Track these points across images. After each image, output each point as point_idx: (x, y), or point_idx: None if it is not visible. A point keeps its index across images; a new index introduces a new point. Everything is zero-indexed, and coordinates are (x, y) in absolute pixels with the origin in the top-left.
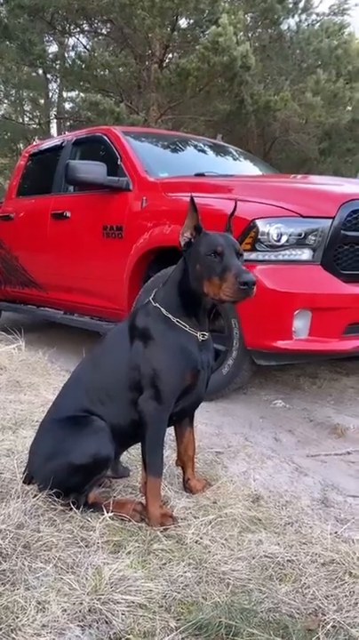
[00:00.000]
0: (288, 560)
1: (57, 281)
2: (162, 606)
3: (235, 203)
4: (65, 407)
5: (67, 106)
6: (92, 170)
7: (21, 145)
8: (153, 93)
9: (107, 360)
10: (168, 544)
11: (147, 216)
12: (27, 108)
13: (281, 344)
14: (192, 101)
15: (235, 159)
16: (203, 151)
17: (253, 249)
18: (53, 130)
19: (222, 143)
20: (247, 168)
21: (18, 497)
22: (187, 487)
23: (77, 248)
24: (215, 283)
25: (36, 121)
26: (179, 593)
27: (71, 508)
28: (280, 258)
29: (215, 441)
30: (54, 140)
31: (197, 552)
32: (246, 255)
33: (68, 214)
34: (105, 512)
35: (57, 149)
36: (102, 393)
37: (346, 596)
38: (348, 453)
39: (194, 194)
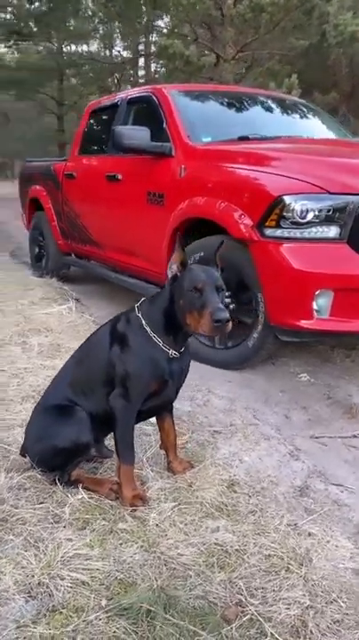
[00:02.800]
0: (236, 550)
1: (110, 241)
2: (102, 584)
3: (222, 242)
4: (53, 396)
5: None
6: (136, 135)
7: (109, 81)
8: (227, 31)
9: (90, 357)
10: (131, 525)
11: (184, 185)
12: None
13: (302, 323)
14: (267, 37)
15: (294, 114)
16: (260, 107)
17: (278, 226)
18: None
19: (285, 96)
20: (306, 126)
21: (7, 472)
22: (169, 469)
23: (126, 211)
24: (195, 317)
25: (124, 55)
26: (122, 573)
27: (55, 484)
28: (305, 235)
29: (220, 418)
30: (112, 98)
31: (153, 535)
32: (270, 232)
33: (120, 177)
34: (80, 490)
35: (114, 108)
36: (84, 386)
37: (274, 590)
38: (354, 437)
39: (226, 165)
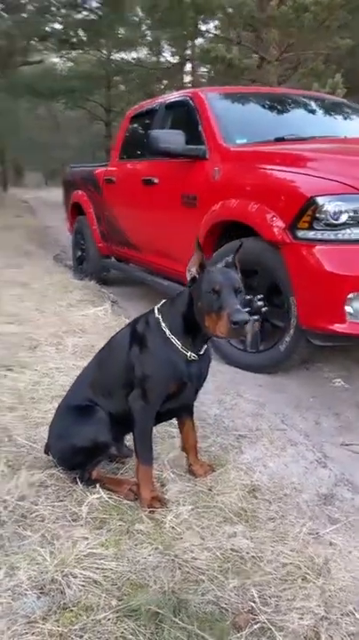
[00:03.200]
0: (252, 556)
1: (147, 243)
2: (114, 584)
3: (240, 244)
4: (75, 395)
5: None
6: (171, 139)
7: (156, 87)
8: (271, 32)
9: (110, 358)
10: (148, 526)
11: (218, 187)
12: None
13: (335, 327)
14: (311, 37)
15: (331, 114)
16: (297, 108)
17: (310, 227)
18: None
19: (323, 95)
20: (346, 128)
21: (29, 469)
22: (190, 471)
23: (162, 214)
24: (213, 319)
25: (171, 61)
26: (134, 574)
27: (76, 483)
28: (339, 237)
29: (246, 422)
30: (150, 103)
31: (169, 537)
32: (303, 234)
33: (156, 181)
34: (99, 489)
35: (153, 112)
36: (104, 386)
37: (288, 599)
38: None
39: (262, 165)
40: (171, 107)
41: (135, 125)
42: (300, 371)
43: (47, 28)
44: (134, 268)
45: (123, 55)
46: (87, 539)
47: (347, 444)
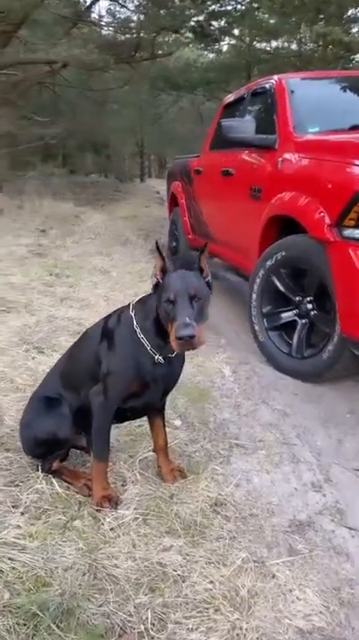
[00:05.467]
0: (177, 574)
1: (221, 237)
2: (19, 578)
3: (205, 244)
4: (45, 386)
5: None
6: (241, 128)
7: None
8: None
9: (81, 350)
10: (86, 524)
11: (279, 180)
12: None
13: None
14: None
15: None
16: None
17: (358, 225)
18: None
19: None
20: None
21: (2, 452)
22: (159, 474)
23: (233, 207)
24: (169, 328)
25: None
26: (44, 571)
27: (37, 471)
28: None
29: (253, 432)
30: (241, 91)
31: (99, 540)
32: (349, 232)
33: (232, 172)
34: (54, 481)
35: (241, 100)
36: (73, 379)
37: (189, 628)
38: None
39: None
40: (255, 94)
41: (226, 114)
42: (346, 382)
43: (192, 22)
44: (213, 262)
45: (264, 44)
46: (19, 527)
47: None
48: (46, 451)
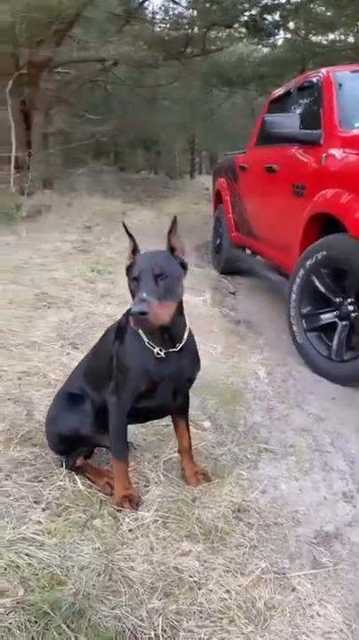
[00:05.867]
0: (193, 581)
1: (265, 235)
2: (35, 574)
3: (174, 219)
4: (71, 382)
5: None
6: (285, 123)
7: None
8: None
9: (102, 349)
10: (105, 524)
11: (322, 176)
12: None
13: None
14: None
15: None
16: None
17: None
18: None
19: None
20: None
21: (18, 445)
22: (182, 476)
23: (276, 204)
24: None
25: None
26: (59, 569)
27: (61, 467)
28: None
29: (284, 437)
30: (289, 85)
31: (118, 540)
32: None
33: (275, 168)
34: (77, 478)
35: (288, 95)
36: (95, 377)
37: (200, 638)
38: None
39: None
40: (302, 88)
41: (273, 109)
42: None
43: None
44: (256, 260)
45: (320, 38)
46: (40, 523)
47: None
48: (69, 447)
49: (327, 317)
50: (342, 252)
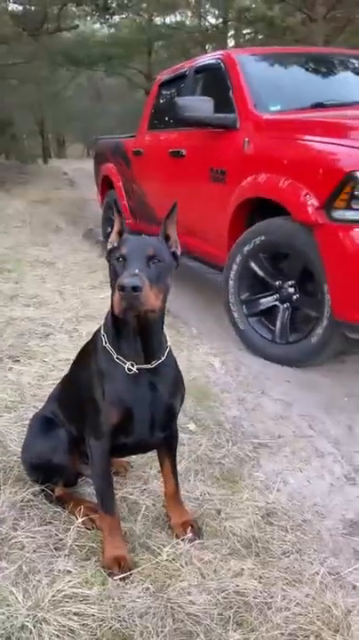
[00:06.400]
0: (259, 602)
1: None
2: (94, 635)
3: (174, 205)
4: (47, 406)
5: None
6: (198, 106)
7: (199, 52)
8: None
9: (71, 374)
10: (142, 559)
11: (248, 161)
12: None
13: None
14: None
15: None
16: (341, 69)
17: (348, 207)
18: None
19: None
20: None
21: (13, 486)
22: (168, 525)
23: (189, 189)
24: (113, 292)
25: (213, 23)
26: (118, 622)
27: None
28: None
29: (268, 427)
30: (180, 68)
31: (163, 575)
32: (339, 214)
33: (184, 153)
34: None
35: (182, 78)
36: (68, 405)
37: None
38: None
39: (299, 137)
40: (200, 70)
41: (164, 92)
42: (335, 365)
43: None
44: None
45: (164, 19)
46: (70, 573)
47: None
48: (44, 477)
49: (267, 301)
50: (283, 235)
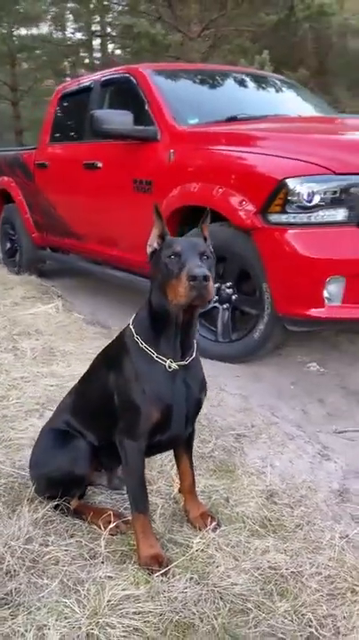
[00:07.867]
0: (292, 572)
1: (92, 232)
2: (158, 629)
3: (207, 212)
4: (58, 418)
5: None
6: (117, 119)
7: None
8: (190, 8)
9: (92, 381)
10: (174, 553)
11: (175, 171)
12: (69, 23)
13: (312, 312)
14: (235, 13)
15: (278, 92)
16: (243, 85)
17: (283, 211)
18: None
19: (266, 73)
20: (291, 103)
21: (30, 504)
22: (188, 520)
23: (110, 200)
24: (173, 286)
25: (78, 37)
26: (176, 614)
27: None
28: (312, 220)
29: (239, 419)
30: (84, 81)
31: (201, 564)
32: (276, 218)
33: (100, 165)
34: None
35: (87, 91)
36: (86, 413)
37: (344, 617)
38: None
39: (223, 147)
40: (107, 84)
41: (66, 105)
42: (274, 357)
43: None
44: (76, 258)
45: (26, 31)
46: (113, 578)
47: (340, 432)
48: (63, 491)
49: None
50: (220, 240)
